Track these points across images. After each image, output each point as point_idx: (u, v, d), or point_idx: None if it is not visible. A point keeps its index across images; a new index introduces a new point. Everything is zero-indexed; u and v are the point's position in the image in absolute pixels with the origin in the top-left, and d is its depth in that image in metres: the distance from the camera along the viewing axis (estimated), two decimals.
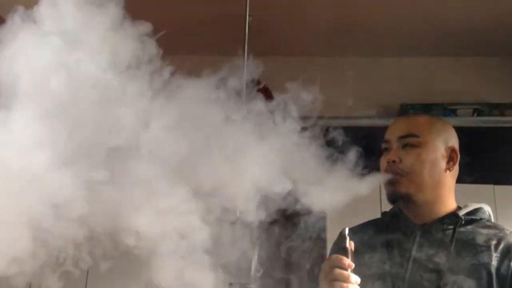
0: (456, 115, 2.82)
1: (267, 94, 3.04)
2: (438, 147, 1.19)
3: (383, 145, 1.24)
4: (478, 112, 2.82)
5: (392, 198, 1.19)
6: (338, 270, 1.02)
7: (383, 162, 1.22)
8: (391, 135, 1.22)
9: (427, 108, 2.84)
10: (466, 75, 3.08)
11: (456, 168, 1.22)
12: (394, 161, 1.18)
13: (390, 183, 1.17)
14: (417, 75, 3.09)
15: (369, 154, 1.15)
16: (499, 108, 2.82)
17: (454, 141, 1.23)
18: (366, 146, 1.15)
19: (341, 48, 3.08)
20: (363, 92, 3.10)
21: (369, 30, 2.85)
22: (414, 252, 1.14)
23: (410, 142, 1.18)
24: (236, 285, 3.01)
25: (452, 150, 1.20)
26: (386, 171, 1.18)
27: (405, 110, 2.86)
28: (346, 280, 1.01)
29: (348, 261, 1.03)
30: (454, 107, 2.85)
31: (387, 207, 1.33)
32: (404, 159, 1.17)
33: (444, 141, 1.20)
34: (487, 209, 1.21)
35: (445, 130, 1.22)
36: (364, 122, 2.52)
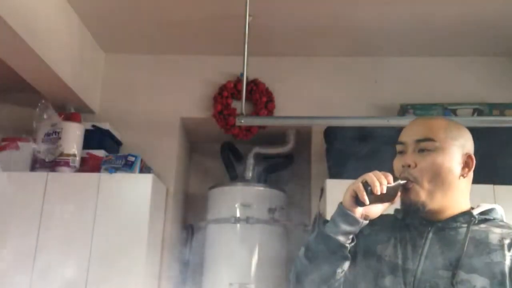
0: (456, 115, 2.81)
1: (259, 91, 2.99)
2: (455, 153, 1.18)
3: (399, 147, 1.23)
4: (478, 112, 2.82)
5: (406, 205, 1.18)
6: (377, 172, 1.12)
7: (397, 164, 1.21)
8: (408, 138, 1.21)
9: (427, 108, 2.84)
10: (466, 75, 3.07)
11: (471, 173, 1.22)
12: (409, 166, 1.17)
13: (405, 190, 1.17)
14: (417, 75, 3.09)
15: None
16: (499, 108, 2.81)
17: (470, 147, 1.22)
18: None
19: (341, 48, 3.08)
20: (363, 92, 3.10)
21: (369, 30, 2.85)
22: (426, 249, 1.15)
23: (427, 146, 1.17)
24: (236, 285, 3.03)
25: (468, 156, 1.20)
26: (401, 175, 1.18)
27: (405, 110, 2.86)
28: (380, 178, 1.10)
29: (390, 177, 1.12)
30: (454, 107, 2.85)
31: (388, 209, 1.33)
32: (419, 164, 1.17)
33: (460, 146, 1.19)
34: (500, 210, 1.21)
35: (462, 135, 1.21)
36: (364, 122, 2.52)
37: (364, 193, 1.08)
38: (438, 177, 1.16)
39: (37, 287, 2.41)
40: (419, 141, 1.19)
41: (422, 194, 1.16)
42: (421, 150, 1.18)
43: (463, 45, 2.98)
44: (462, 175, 1.19)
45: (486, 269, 1.07)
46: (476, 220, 1.15)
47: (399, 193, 1.16)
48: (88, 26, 2.92)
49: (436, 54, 3.09)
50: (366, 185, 1.09)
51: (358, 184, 1.10)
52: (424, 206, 1.16)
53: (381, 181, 1.10)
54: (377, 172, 1.12)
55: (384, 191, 1.10)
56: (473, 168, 1.21)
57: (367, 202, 1.09)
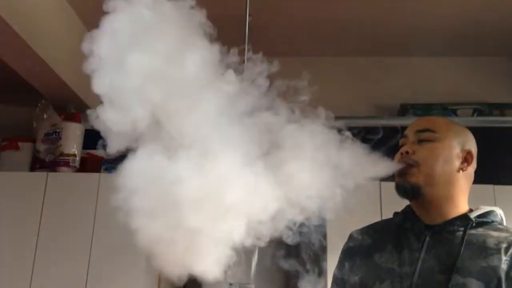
0: (456, 115, 2.82)
1: None
2: (454, 146, 1.19)
3: (401, 141, 1.24)
4: (478, 112, 2.82)
5: (401, 189, 1.18)
6: None
7: (397, 156, 1.22)
8: (409, 130, 1.24)
9: (427, 108, 2.84)
10: (466, 75, 3.07)
11: (471, 172, 1.22)
12: (407, 152, 1.18)
13: (400, 173, 1.17)
14: (417, 75, 3.09)
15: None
16: (499, 108, 2.81)
17: (471, 146, 1.22)
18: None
19: (341, 48, 3.08)
20: (363, 92, 3.10)
21: (368, 30, 2.85)
22: (423, 253, 1.14)
23: (427, 137, 1.19)
24: (236, 285, 3.02)
25: (468, 152, 1.20)
26: (399, 161, 1.18)
27: (405, 110, 2.86)
28: None
29: None
30: (454, 107, 2.85)
31: (388, 214, 1.33)
32: (417, 152, 1.18)
33: (461, 143, 1.20)
34: (499, 212, 1.21)
35: (464, 133, 1.23)
36: (364, 122, 2.52)
37: None
38: (435, 165, 1.16)
39: (37, 286, 2.41)
40: (419, 131, 1.20)
41: (418, 176, 1.16)
42: (421, 141, 1.19)
43: (463, 45, 2.98)
44: (461, 169, 1.19)
45: (482, 273, 1.06)
46: (473, 223, 1.14)
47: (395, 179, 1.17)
48: (88, 26, 2.92)
49: (436, 54, 3.09)
50: None
51: None
52: (419, 187, 1.16)
53: None
54: None
55: None
56: (472, 165, 1.21)
57: None
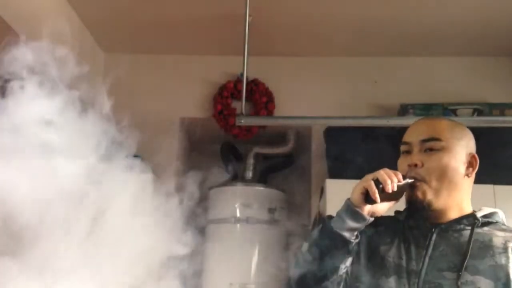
0: (456, 115, 2.81)
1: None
2: (460, 152, 1.19)
3: (403, 147, 1.23)
4: (478, 112, 2.82)
5: (413, 205, 1.19)
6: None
7: (403, 164, 1.21)
8: (413, 138, 1.22)
9: (427, 108, 2.84)
10: (466, 75, 3.07)
11: (474, 173, 1.22)
12: (416, 165, 1.18)
13: (411, 189, 1.17)
14: (417, 75, 3.09)
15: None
16: (499, 108, 2.81)
17: (472, 146, 1.23)
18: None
19: (341, 48, 3.08)
20: (363, 92, 3.10)
21: (368, 30, 2.85)
22: (430, 250, 1.15)
23: (433, 146, 1.18)
24: (236, 285, 3.02)
25: (472, 156, 1.21)
26: (407, 174, 1.18)
27: (405, 110, 2.86)
28: (391, 176, 1.10)
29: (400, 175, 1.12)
30: (454, 107, 2.85)
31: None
32: (426, 163, 1.17)
33: (464, 146, 1.20)
34: (501, 214, 1.22)
35: (465, 135, 1.23)
36: (364, 122, 2.52)
37: (376, 191, 1.09)
38: (444, 176, 1.17)
39: None
40: (424, 141, 1.19)
41: (429, 193, 1.16)
42: (427, 150, 1.19)
43: (463, 45, 2.98)
44: (467, 175, 1.20)
45: (490, 272, 1.08)
46: (479, 222, 1.16)
47: (404, 192, 1.17)
48: (88, 26, 2.92)
49: (436, 54, 3.09)
50: (377, 182, 1.10)
51: (369, 182, 1.10)
52: (430, 204, 1.17)
53: (392, 179, 1.10)
54: (387, 170, 1.12)
55: (395, 189, 1.10)
56: (476, 168, 1.22)
57: (379, 200, 1.09)
